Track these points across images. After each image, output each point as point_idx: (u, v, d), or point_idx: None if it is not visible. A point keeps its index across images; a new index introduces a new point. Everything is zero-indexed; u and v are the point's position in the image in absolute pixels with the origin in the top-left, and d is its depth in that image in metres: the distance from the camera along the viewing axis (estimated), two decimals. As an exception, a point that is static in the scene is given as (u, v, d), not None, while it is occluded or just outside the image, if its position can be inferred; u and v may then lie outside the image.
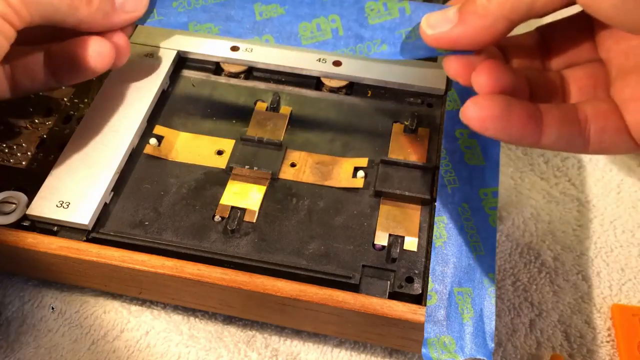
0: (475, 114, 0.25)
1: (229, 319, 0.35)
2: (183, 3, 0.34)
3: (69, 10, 0.30)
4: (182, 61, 0.40)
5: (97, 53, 0.32)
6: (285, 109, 0.38)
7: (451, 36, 0.28)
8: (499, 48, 0.30)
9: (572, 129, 0.27)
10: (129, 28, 0.34)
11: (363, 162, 0.35)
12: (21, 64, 0.32)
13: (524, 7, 0.26)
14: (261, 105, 0.38)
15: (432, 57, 0.31)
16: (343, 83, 0.39)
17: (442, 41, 0.28)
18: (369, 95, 0.39)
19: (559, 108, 0.27)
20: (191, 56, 0.40)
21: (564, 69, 0.30)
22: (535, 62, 0.31)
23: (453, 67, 0.29)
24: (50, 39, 0.33)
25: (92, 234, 0.32)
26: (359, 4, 0.32)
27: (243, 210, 0.33)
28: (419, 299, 0.30)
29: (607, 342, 0.35)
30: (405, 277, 0.31)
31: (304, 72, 0.39)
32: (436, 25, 0.28)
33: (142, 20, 0.34)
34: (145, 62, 0.38)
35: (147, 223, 0.32)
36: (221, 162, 0.35)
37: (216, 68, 0.40)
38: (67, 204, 0.32)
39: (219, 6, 0.34)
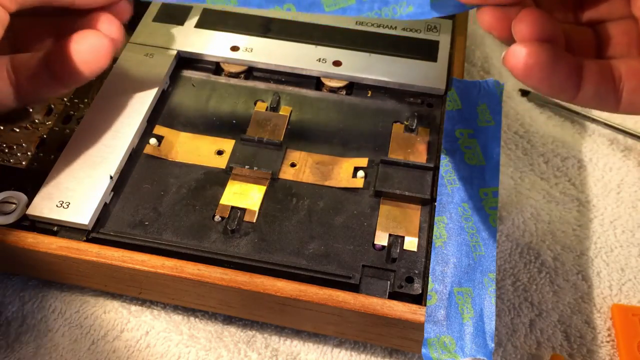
0: (522, 60, 0.24)
1: (229, 319, 0.35)
2: None
3: None
4: (182, 61, 0.40)
5: (93, 48, 0.30)
6: (285, 109, 0.38)
7: None
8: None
9: (607, 86, 0.26)
10: (125, 11, 0.33)
11: (363, 162, 0.35)
12: (24, 69, 0.31)
13: None
14: (261, 105, 0.38)
15: (462, 11, 0.30)
16: (343, 83, 0.39)
17: None
18: (369, 95, 0.39)
19: (596, 63, 0.26)
20: (191, 56, 0.40)
21: (597, 24, 0.29)
22: (568, 15, 0.30)
23: (487, 19, 0.27)
24: (49, 38, 0.32)
25: (92, 234, 0.32)
26: None
27: (243, 210, 0.33)
28: (419, 299, 0.30)
29: (607, 342, 0.35)
30: (405, 277, 0.31)
31: (304, 72, 0.39)
32: None
33: None
34: (145, 62, 0.38)
35: (147, 223, 0.32)
36: (221, 162, 0.35)
37: (216, 68, 0.40)
38: (67, 204, 0.32)
39: None
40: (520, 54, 0.25)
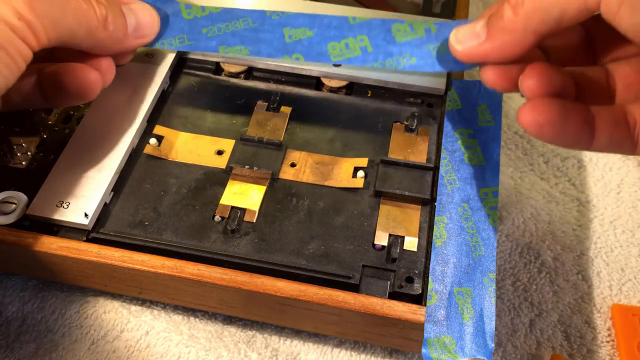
0: (533, 118, 0.25)
1: (229, 319, 0.35)
2: (213, 29, 0.35)
3: (86, 35, 0.30)
4: (182, 61, 0.40)
5: (85, 82, 0.32)
6: (285, 109, 0.38)
7: (480, 51, 0.28)
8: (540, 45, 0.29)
9: (621, 133, 0.26)
10: (127, 57, 0.35)
11: (363, 162, 0.35)
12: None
13: (552, 21, 0.26)
14: (261, 105, 0.38)
15: (463, 69, 0.33)
16: (343, 83, 0.39)
17: (472, 56, 0.28)
18: (369, 95, 0.39)
19: (609, 111, 0.27)
20: (191, 56, 0.40)
21: (610, 63, 0.29)
22: (579, 56, 0.30)
23: (490, 76, 0.28)
24: (45, 59, 0.33)
25: (92, 234, 0.32)
26: (385, 25, 0.34)
27: (243, 210, 0.33)
28: (419, 299, 0.30)
29: (607, 342, 0.35)
30: (405, 277, 0.31)
31: (304, 72, 0.39)
32: (465, 41, 0.28)
33: (173, 45, 0.36)
34: (145, 62, 0.38)
35: (147, 223, 0.32)
36: (221, 162, 0.35)
37: (216, 68, 0.40)
38: (67, 204, 0.32)
39: (249, 31, 0.35)
40: (531, 113, 0.25)
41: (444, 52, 0.32)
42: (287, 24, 0.35)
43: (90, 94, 0.32)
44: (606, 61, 0.30)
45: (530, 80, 0.27)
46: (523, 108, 0.26)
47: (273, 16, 0.35)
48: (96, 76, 0.32)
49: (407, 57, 0.33)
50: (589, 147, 0.26)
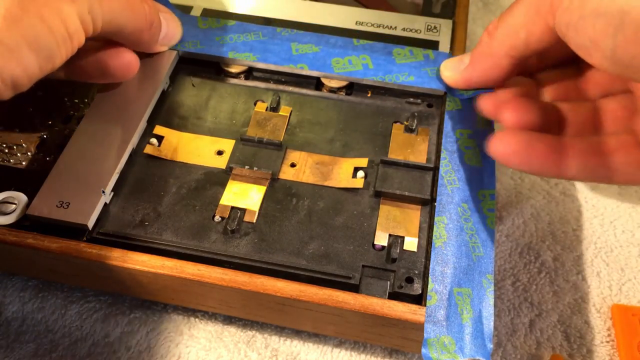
0: (500, 148, 0.28)
1: (229, 319, 0.35)
2: (225, 38, 0.39)
3: (131, 33, 0.33)
4: (182, 61, 0.40)
5: (125, 62, 0.34)
6: (285, 109, 0.38)
7: (464, 76, 0.32)
8: (534, 79, 0.32)
9: (595, 162, 0.28)
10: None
11: (363, 162, 0.35)
12: None
13: (521, 43, 0.29)
14: (261, 105, 0.38)
15: (455, 95, 0.36)
16: (343, 83, 0.39)
17: (458, 81, 0.33)
18: (369, 95, 0.39)
19: (584, 141, 0.29)
20: (191, 56, 0.40)
21: (600, 99, 0.31)
22: (570, 91, 0.32)
23: (484, 106, 0.31)
24: None
25: (92, 234, 0.32)
26: (387, 49, 0.38)
27: (243, 210, 0.33)
28: (419, 299, 0.30)
29: (607, 342, 0.35)
30: (405, 277, 0.31)
31: (304, 72, 0.39)
32: (452, 68, 0.33)
33: (186, 48, 0.39)
34: (145, 62, 0.38)
35: (147, 223, 0.32)
36: (221, 162, 0.35)
37: (216, 68, 0.40)
38: (67, 204, 0.32)
39: (258, 42, 0.39)
40: (499, 144, 0.28)
41: (439, 74, 0.36)
42: (295, 40, 0.39)
43: (129, 74, 0.35)
44: (596, 97, 0.31)
45: (506, 113, 0.29)
46: (492, 139, 0.28)
47: (283, 32, 0.39)
48: (135, 58, 0.34)
49: (406, 75, 0.37)
50: (560, 174, 0.28)
